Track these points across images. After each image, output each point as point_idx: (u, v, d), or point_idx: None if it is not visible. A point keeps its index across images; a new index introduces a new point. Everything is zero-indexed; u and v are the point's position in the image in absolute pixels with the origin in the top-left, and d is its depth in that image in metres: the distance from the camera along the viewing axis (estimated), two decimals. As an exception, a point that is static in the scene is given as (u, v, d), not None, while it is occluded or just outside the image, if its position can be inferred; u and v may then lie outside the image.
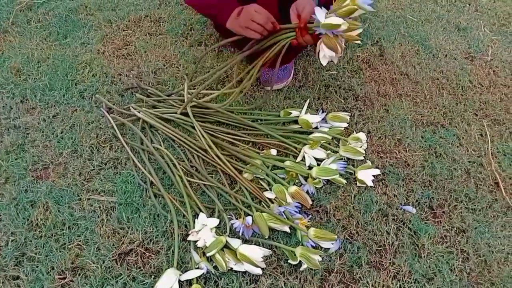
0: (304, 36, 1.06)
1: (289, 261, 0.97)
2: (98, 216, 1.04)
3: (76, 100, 1.32)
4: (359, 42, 1.04)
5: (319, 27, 1.01)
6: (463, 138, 1.28)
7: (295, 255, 0.96)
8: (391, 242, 1.03)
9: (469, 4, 1.87)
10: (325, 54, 1.03)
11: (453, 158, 1.22)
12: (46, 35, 1.55)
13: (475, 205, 1.11)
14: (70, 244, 0.99)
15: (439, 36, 1.65)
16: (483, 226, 1.07)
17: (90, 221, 1.03)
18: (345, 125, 1.27)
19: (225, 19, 1.10)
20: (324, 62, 1.05)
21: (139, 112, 1.24)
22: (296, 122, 1.26)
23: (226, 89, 1.22)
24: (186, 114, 1.22)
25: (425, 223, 1.07)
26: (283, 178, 1.12)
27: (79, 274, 0.94)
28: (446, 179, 1.17)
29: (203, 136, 1.16)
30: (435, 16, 1.76)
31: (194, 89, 1.29)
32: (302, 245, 0.99)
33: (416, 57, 1.55)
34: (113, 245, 0.99)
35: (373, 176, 1.14)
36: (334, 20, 0.98)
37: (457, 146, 1.26)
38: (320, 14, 1.00)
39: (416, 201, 1.12)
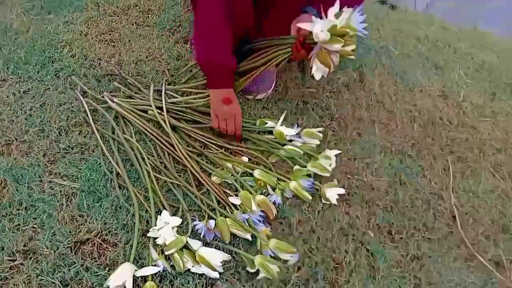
0: (300, 51, 1.07)
1: (247, 268, 0.97)
2: (58, 201, 1.01)
3: (51, 79, 1.28)
4: (353, 56, 1.05)
5: (316, 43, 1.02)
6: (427, 170, 1.33)
7: (253, 263, 0.96)
8: (348, 261, 1.05)
9: (449, 46, 1.95)
10: (317, 68, 1.05)
11: (416, 188, 1.26)
12: (29, 7, 1.50)
13: (431, 235, 1.16)
14: (24, 226, 0.95)
15: (417, 71, 1.72)
16: (437, 256, 1.11)
17: (48, 204, 1.00)
18: (318, 142, 1.29)
19: (211, 85, 1.15)
20: (317, 77, 1.06)
21: (112, 102, 1.21)
22: (271, 132, 1.27)
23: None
24: (161, 108, 1.21)
25: (383, 246, 1.10)
26: (251, 186, 1.13)
27: (31, 258, 0.90)
28: (407, 206, 1.21)
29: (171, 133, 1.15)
30: (416, 52, 1.83)
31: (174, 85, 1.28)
32: (262, 254, 0.99)
33: (393, 88, 1.60)
34: (70, 232, 0.96)
35: (338, 195, 1.16)
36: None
37: (421, 177, 1.30)
38: (318, 27, 1.00)
39: (377, 224, 1.15)
